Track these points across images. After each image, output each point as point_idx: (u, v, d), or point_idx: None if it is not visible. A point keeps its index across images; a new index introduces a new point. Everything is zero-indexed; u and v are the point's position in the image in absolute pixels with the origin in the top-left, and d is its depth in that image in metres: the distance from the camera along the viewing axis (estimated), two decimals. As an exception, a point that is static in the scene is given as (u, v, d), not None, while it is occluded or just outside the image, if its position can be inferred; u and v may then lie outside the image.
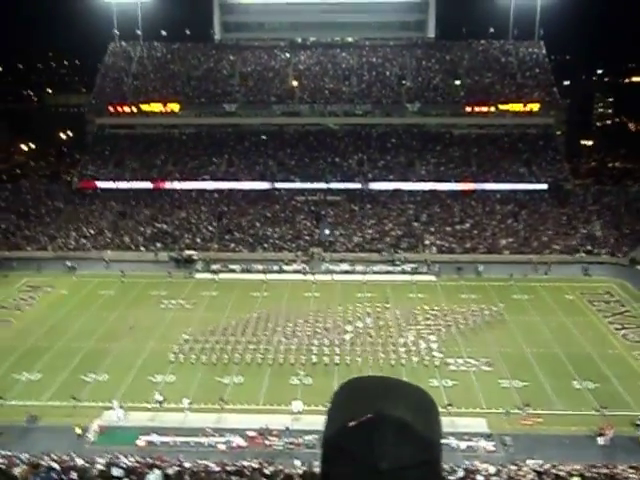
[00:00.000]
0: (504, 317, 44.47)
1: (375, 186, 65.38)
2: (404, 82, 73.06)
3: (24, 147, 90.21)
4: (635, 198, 64.22)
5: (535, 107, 68.52)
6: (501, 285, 50.75)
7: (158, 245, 58.82)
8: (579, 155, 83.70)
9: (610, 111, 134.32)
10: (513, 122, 69.36)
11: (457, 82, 72.39)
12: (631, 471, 22.43)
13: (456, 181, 65.04)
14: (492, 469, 23.95)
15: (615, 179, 77.16)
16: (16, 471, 11.20)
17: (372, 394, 1.61)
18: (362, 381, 1.73)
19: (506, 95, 69.82)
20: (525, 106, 68.46)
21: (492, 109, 68.80)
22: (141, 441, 30.17)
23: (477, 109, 68.96)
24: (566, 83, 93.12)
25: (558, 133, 71.65)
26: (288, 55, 76.05)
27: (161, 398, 33.61)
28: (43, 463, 19.04)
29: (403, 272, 53.78)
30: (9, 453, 26.03)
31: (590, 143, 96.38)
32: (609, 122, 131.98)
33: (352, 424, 1.51)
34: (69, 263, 54.61)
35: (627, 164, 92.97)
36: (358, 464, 1.46)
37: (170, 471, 17.90)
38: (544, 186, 64.48)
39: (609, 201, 63.84)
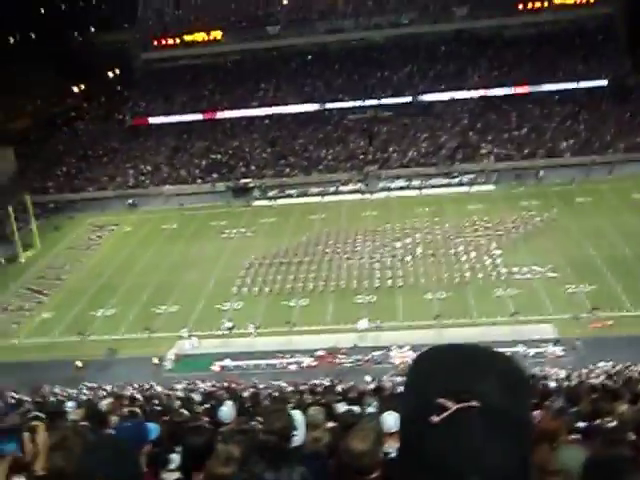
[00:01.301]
0: (560, 222, 43.45)
1: (426, 98, 63.63)
2: (450, -15, 69.79)
3: (75, 89, 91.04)
4: None
5: (592, -4, 64.52)
6: (563, 189, 49.43)
7: (214, 176, 59.32)
8: (642, 46, 78.99)
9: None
10: (569, 17, 65.60)
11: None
12: None
13: (510, 85, 62.62)
14: (562, 373, 23.97)
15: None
16: (103, 404, 11.74)
17: (453, 369, 1.30)
18: (440, 352, 1.39)
19: (560, -13, 65.88)
20: (581, -3, 64.53)
21: (546, 4, 65.19)
22: (216, 367, 31.35)
23: (530, 5, 65.42)
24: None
25: (618, 24, 67.54)
26: None
27: (230, 324, 34.66)
28: (126, 393, 20.02)
29: (461, 184, 52.89)
30: (95, 385, 27.53)
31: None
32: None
33: (434, 420, 1.22)
34: (130, 201, 55.81)
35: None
36: (441, 474, 1.20)
37: (246, 394, 18.57)
38: (604, 82, 61.45)
39: (676, 93, 60.56)
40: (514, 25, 67.24)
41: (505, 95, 62.36)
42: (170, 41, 70.15)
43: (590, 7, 65.08)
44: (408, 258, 40.53)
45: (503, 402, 1.24)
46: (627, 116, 58.71)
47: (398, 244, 42.53)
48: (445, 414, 1.22)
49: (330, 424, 7.18)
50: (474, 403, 1.22)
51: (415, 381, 1.35)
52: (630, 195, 47.11)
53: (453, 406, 1.23)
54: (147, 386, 25.80)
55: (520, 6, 65.50)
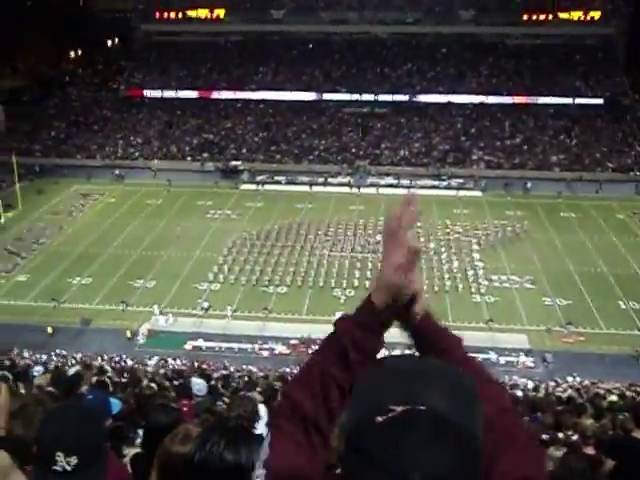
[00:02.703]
0: (542, 235, 43.74)
1: (423, 98, 63.71)
2: (458, -12, 69.76)
3: (72, 54, 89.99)
4: (697, 115, 61.34)
5: (597, 15, 64.90)
6: (550, 202, 49.78)
7: (204, 155, 59.03)
8: (640, 68, 79.61)
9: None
10: (571, 32, 65.87)
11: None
12: (672, 391, 22.38)
13: (508, 94, 62.85)
14: (531, 384, 24.20)
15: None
16: (72, 370, 11.69)
17: (405, 378, 1.34)
18: (394, 362, 1.45)
19: (566, 2, 66.08)
20: (586, 14, 64.88)
21: (550, 17, 65.36)
22: (188, 345, 31.33)
23: (534, 17, 65.57)
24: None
25: (619, 44, 67.99)
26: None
27: (206, 305, 34.62)
28: (95, 363, 19.95)
29: (449, 187, 53.09)
30: (64, 352, 27.39)
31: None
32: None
33: (379, 420, 1.26)
34: (117, 171, 55.41)
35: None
36: (384, 472, 1.22)
37: (216, 375, 18.57)
38: (600, 101, 61.88)
39: (669, 117, 61.15)
40: (517, 34, 67.42)
41: (501, 103, 62.57)
42: (172, 15, 69.55)
43: (593, 25, 65.41)
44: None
45: (450, 411, 1.27)
46: (619, 136, 59.19)
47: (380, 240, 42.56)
48: (391, 414, 1.26)
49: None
50: (421, 407, 1.26)
51: (368, 386, 1.38)
52: (615, 215, 47.61)
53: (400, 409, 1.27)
54: (117, 358, 25.72)
55: (525, 16, 65.67)
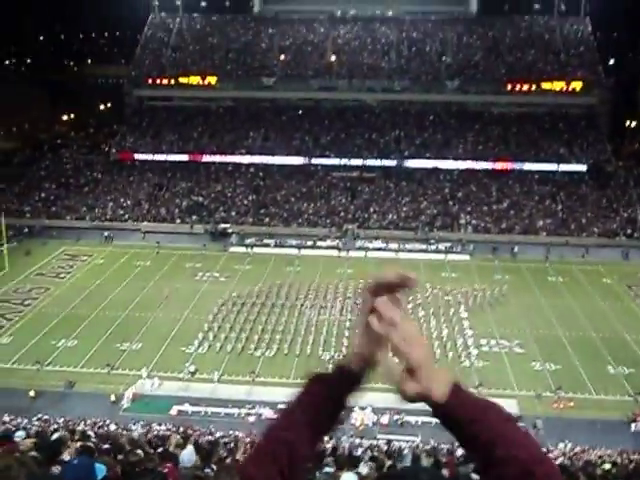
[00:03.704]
0: (530, 299, 43.86)
1: (411, 164, 64.78)
2: (444, 58, 71.89)
3: (64, 117, 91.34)
4: (679, 182, 62.64)
5: (578, 86, 66.88)
6: (537, 266, 50.13)
7: (194, 218, 59.32)
8: (622, 136, 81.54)
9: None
10: (555, 101, 67.74)
11: (498, 59, 70.93)
12: (664, 459, 22.11)
13: (494, 160, 64.07)
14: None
15: (659, 162, 74.99)
16: (55, 435, 11.45)
17: None
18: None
19: (549, 73, 68.24)
20: (568, 85, 66.83)
21: (534, 87, 67.30)
22: (174, 410, 30.74)
23: (518, 87, 67.49)
24: (611, 62, 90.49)
25: (601, 113, 69.90)
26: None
27: (193, 368, 34.16)
28: (79, 429, 19.51)
29: (437, 251, 53.42)
30: (47, 417, 26.78)
31: (634, 124, 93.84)
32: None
33: None
34: (106, 233, 55.46)
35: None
36: None
37: (201, 440, 18.20)
38: (584, 167, 63.17)
39: (652, 184, 62.37)
40: (502, 103, 69.19)
41: (487, 169, 63.68)
42: (165, 81, 70.86)
43: (576, 95, 67.30)
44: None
45: None
46: (604, 202, 60.15)
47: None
48: None
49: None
50: None
51: None
52: (601, 279, 47.95)
53: None
54: (101, 423, 25.16)
55: (509, 86, 67.51)
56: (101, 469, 4.80)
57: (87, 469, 5.15)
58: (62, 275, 48.26)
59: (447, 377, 1.65)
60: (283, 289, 44.66)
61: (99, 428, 22.99)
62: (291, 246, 54.06)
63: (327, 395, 1.74)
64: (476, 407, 1.65)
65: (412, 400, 1.65)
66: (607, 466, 15.80)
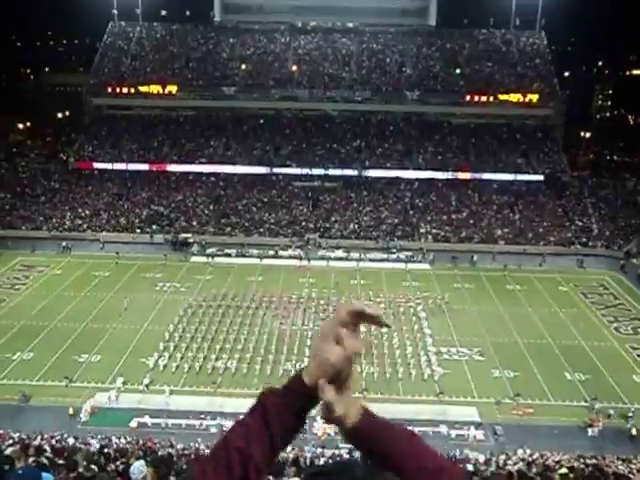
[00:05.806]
0: (489, 307, 44.53)
1: (372, 173, 65.27)
2: (404, 69, 72.73)
3: (20, 126, 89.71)
4: (631, 191, 64.38)
5: (534, 98, 68.33)
6: (495, 275, 50.87)
7: (154, 227, 58.70)
8: (577, 147, 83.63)
9: (609, 103, 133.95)
10: (512, 112, 69.11)
11: (457, 71, 72.09)
12: (619, 462, 22.60)
13: (453, 170, 64.99)
14: (482, 458, 24.10)
15: (612, 172, 77.02)
16: (8, 450, 11.19)
17: None
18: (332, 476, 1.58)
19: (506, 85, 69.59)
20: (525, 96, 68.24)
21: (491, 99, 68.56)
22: (134, 423, 30.27)
23: (477, 99, 68.67)
24: (566, 74, 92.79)
25: (556, 124, 71.48)
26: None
27: (148, 380, 33.68)
28: (35, 443, 19.06)
29: (398, 260, 53.82)
30: (1, 431, 26.08)
31: (588, 135, 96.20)
32: (608, 115, 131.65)
33: None
34: (64, 243, 54.48)
35: (625, 157, 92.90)
36: None
37: (161, 452, 17.97)
38: (541, 177, 64.51)
39: (605, 194, 63.93)
40: (461, 114, 70.23)
41: (447, 179, 64.51)
42: (124, 89, 70.14)
43: (532, 107, 68.70)
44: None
45: None
46: (560, 211, 61.41)
47: (331, 313, 42.53)
48: None
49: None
50: None
51: None
52: (558, 287, 48.88)
53: None
54: (58, 437, 24.62)
55: (468, 97, 68.61)
56: (48, 478, 4.70)
57: (33, 478, 5.05)
58: (17, 286, 47.23)
59: (359, 405, 1.84)
60: (245, 299, 44.45)
61: (57, 442, 22.50)
62: (252, 256, 53.88)
63: (282, 406, 1.77)
64: (384, 428, 1.83)
65: (330, 421, 1.80)
66: (564, 470, 16.06)
